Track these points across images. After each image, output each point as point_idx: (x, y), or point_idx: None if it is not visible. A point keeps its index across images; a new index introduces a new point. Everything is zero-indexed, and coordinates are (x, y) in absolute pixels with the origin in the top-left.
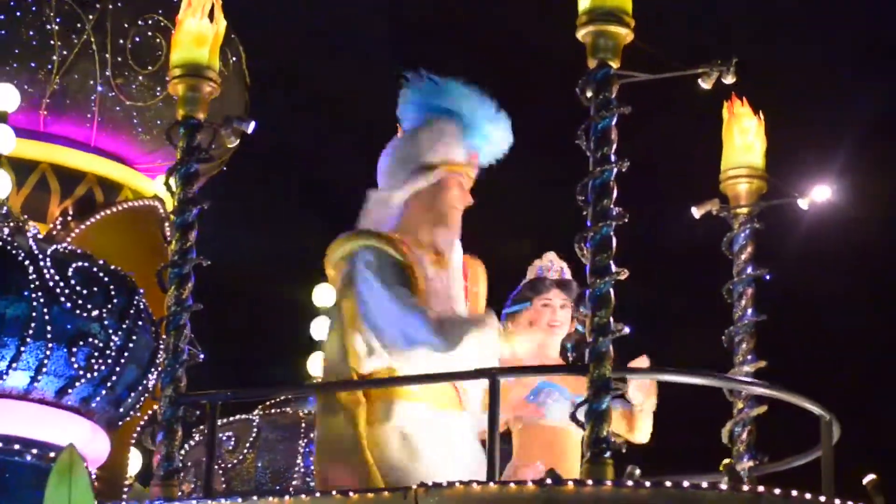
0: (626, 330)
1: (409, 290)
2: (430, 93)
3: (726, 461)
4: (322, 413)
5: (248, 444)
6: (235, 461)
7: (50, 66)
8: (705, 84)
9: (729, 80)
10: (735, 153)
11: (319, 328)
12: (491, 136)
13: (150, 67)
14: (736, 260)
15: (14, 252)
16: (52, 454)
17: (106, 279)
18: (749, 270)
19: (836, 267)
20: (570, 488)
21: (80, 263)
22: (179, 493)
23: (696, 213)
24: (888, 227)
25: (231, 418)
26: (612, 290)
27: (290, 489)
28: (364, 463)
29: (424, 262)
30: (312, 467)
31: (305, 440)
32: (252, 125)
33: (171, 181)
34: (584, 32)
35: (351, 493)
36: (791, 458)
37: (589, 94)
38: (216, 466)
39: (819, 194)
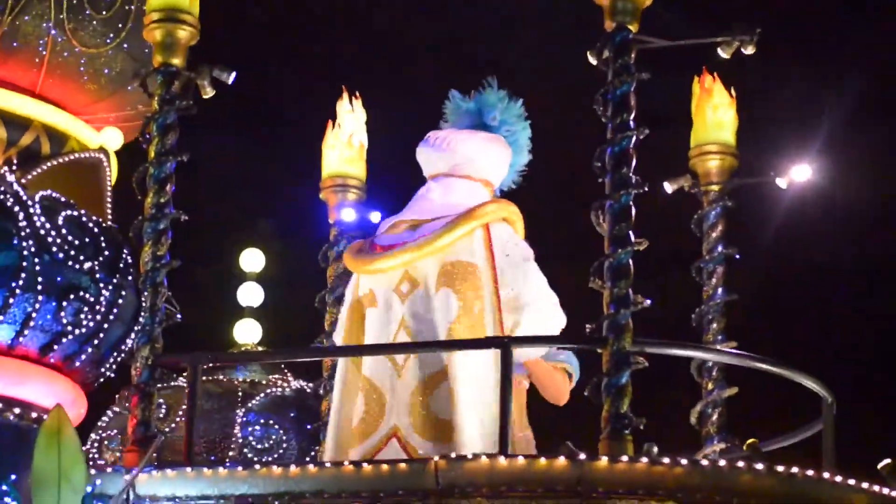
0: (647, 302)
1: None
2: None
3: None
4: None
5: (180, 413)
6: (168, 430)
7: (2, 7)
8: (724, 53)
9: (749, 50)
10: (706, 129)
11: (247, 294)
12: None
13: (104, 13)
14: (706, 238)
15: (1, 197)
16: (34, 414)
17: (95, 230)
18: (720, 249)
19: (813, 246)
20: (602, 465)
21: (69, 212)
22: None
23: (669, 188)
24: (868, 207)
25: (161, 385)
26: (631, 261)
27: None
28: None
29: None
30: (251, 438)
31: (243, 409)
32: (233, 75)
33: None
34: None
35: (365, 465)
36: (783, 437)
37: (605, 56)
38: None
39: (798, 174)
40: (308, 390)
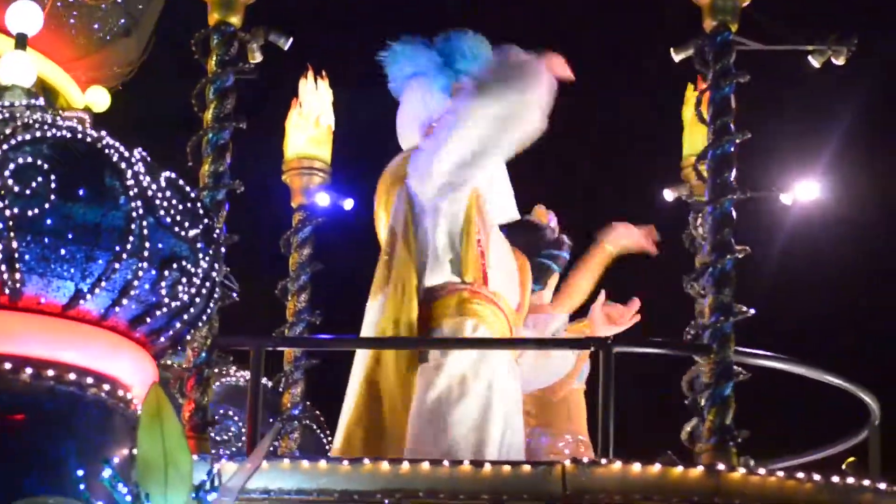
0: (752, 312)
1: None
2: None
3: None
4: None
5: None
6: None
7: None
8: (815, 62)
9: (840, 61)
10: (702, 139)
11: None
12: (465, 59)
13: None
14: (699, 250)
15: (107, 151)
16: (119, 392)
17: (192, 195)
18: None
19: (817, 260)
20: (738, 476)
21: (168, 173)
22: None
23: (668, 196)
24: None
25: None
26: (734, 269)
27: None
28: None
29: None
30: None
31: None
32: (290, 41)
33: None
34: None
35: (487, 465)
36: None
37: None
38: None
39: (805, 191)
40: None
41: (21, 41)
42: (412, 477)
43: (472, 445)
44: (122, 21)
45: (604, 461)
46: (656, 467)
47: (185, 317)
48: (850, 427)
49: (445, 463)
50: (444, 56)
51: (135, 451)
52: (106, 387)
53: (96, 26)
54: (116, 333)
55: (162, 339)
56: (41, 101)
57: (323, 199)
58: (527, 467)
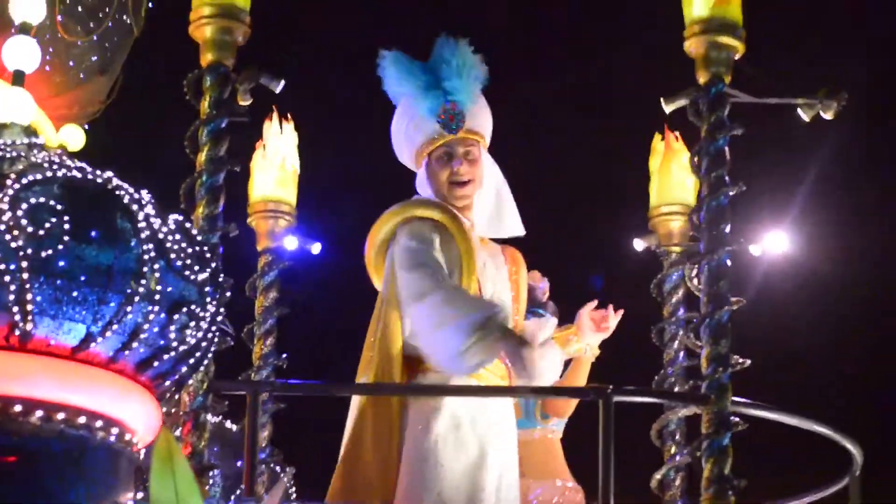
0: (748, 362)
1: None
2: (388, 70)
3: None
4: None
5: None
6: None
7: None
8: (805, 115)
9: (828, 115)
10: (672, 189)
11: None
12: (454, 78)
13: None
14: (667, 301)
15: (118, 192)
16: (127, 436)
17: (199, 237)
18: (680, 313)
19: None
20: None
21: (176, 216)
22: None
23: (639, 245)
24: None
25: None
26: (729, 320)
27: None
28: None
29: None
30: None
31: None
32: (281, 84)
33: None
34: (694, 43)
35: None
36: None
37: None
38: None
39: (773, 243)
40: (231, 426)
41: (18, 78)
42: None
43: (466, 494)
44: (97, 59)
45: None
46: None
47: (191, 360)
48: (821, 473)
49: None
50: (432, 74)
51: (138, 497)
52: (114, 430)
53: (71, 63)
54: (124, 376)
55: (167, 382)
56: (41, 140)
57: (291, 243)
58: None
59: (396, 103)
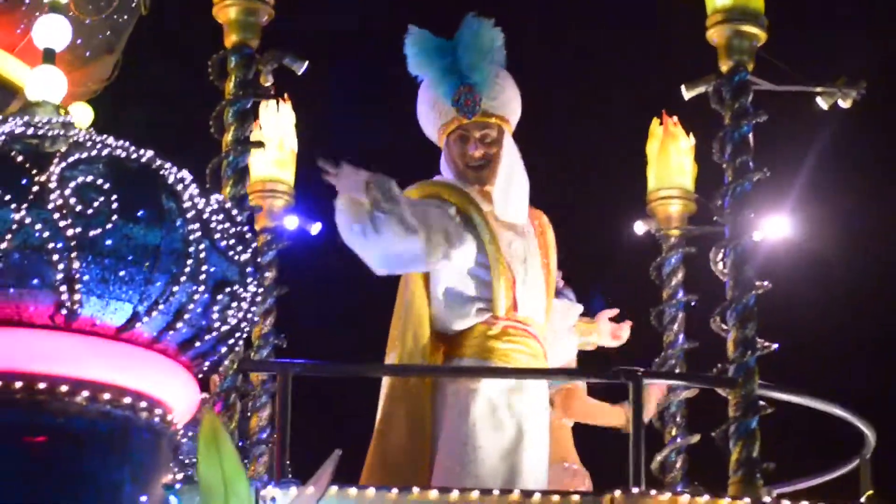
0: (775, 346)
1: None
2: (412, 50)
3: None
4: None
5: None
6: None
7: None
8: (824, 104)
9: (847, 104)
10: (671, 173)
11: None
12: (471, 61)
13: None
14: (666, 284)
15: (162, 172)
16: (169, 416)
17: (239, 218)
18: (679, 296)
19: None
20: None
21: (217, 195)
22: None
23: (640, 228)
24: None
25: None
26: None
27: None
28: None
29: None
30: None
31: None
32: (305, 65)
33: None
34: (718, 31)
35: (537, 495)
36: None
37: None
38: None
39: (774, 227)
40: None
41: (49, 56)
42: None
43: (504, 476)
44: (104, 37)
45: (653, 492)
46: (704, 497)
47: (231, 341)
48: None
49: (495, 492)
50: (451, 55)
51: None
52: (158, 411)
53: (80, 42)
54: (166, 356)
55: (207, 363)
56: (72, 118)
57: (291, 223)
58: (575, 497)
59: (419, 81)
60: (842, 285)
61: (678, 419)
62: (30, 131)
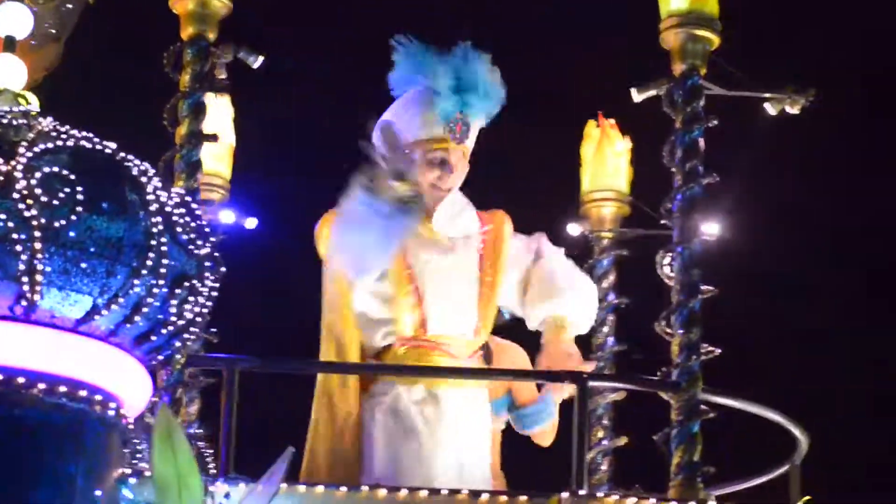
0: (718, 351)
1: None
2: (407, 59)
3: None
4: None
5: None
6: None
7: None
8: (772, 109)
9: (795, 110)
10: (605, 175)
11: None
12: (478, 97)
13: None
14: (598, 286)
15: (125, 163)
16: (122, 410)
17: (198, 212)
18: (610, 298)
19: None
20: None
21: (179, 189)
22: None
23: (574, 230)
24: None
25: None
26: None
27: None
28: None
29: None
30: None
31: None
32: (259, 59)
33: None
34: (672, 35)
35: (485, 496)
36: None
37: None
38: None
39: (707, 230)
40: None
41: (10, 44)
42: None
43: (420, 477)
44: (50, 25)
45: (599, 493)
46: (650, 501)
47: (185, 336)
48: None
49: (444, 491)
50: (458, 80)
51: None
52: (112, 404)
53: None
54: (121, 350)
55: (160, 356)
56: (35, 107)
57: (227, 217)
58: (523, 498)
59: (398, 90)
60: (775, 288)
61: (605, 421)
62: None
